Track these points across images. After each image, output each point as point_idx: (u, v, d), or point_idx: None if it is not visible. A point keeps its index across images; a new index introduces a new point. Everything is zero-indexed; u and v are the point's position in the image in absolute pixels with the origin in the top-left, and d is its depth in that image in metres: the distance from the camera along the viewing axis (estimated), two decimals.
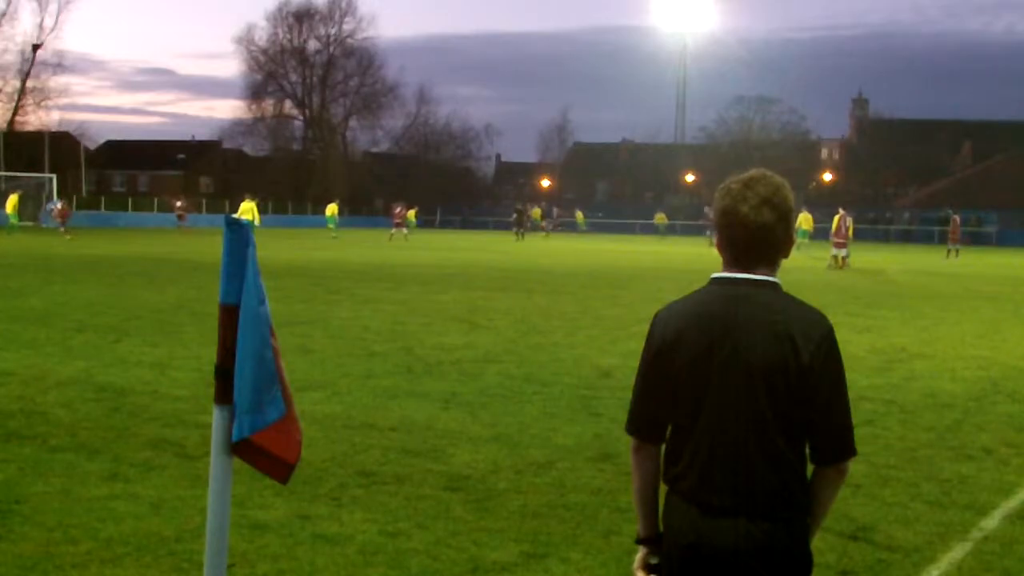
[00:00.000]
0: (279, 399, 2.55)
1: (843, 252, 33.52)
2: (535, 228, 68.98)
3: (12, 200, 47.60)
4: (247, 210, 37.22)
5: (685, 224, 78.65)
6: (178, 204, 61.45)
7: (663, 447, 2.73)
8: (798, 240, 36.48)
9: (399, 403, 8.84)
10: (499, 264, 31.53)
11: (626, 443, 2.93)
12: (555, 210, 78.85)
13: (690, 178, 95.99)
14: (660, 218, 76.35)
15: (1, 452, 6.87)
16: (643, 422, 2.73)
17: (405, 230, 52.91)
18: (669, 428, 2.70)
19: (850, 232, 34.82)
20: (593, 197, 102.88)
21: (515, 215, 64.03)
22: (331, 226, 54.47)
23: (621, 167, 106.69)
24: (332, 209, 56.01)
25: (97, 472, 6.42)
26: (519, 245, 50.08)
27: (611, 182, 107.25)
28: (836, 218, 34.27)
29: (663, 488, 2.73)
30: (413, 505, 5.90)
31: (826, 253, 35.94)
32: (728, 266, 2.65)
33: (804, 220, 41.41)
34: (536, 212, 72.57)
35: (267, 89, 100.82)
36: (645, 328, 2.79)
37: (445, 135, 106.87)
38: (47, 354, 11.11)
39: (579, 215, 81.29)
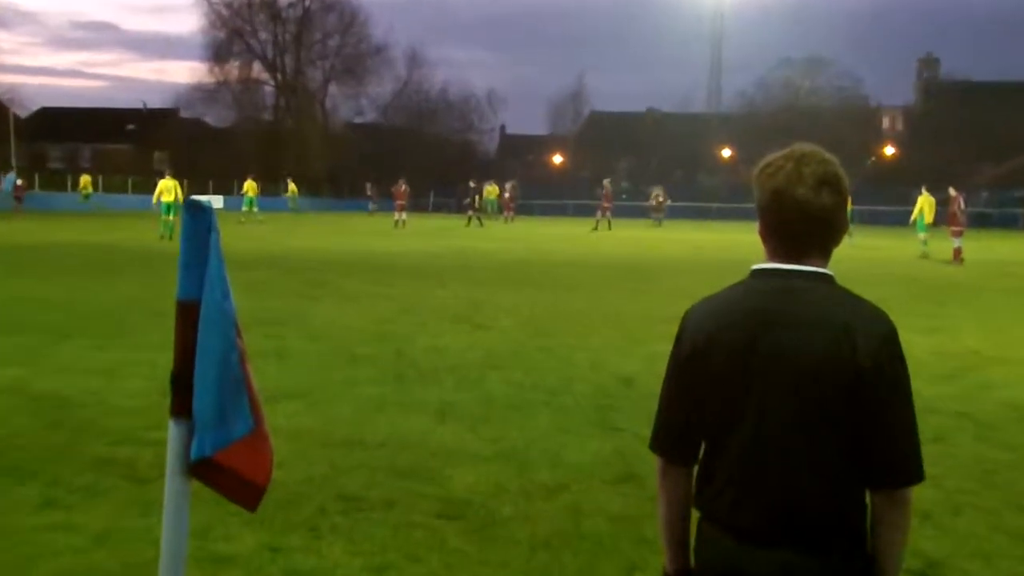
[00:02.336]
0: (246, 411, 2.54)
1: (958, 242, 31.19)
2: (489, 211, 64.07)
3: None
4: (167, 189, 36.46)
5: (721, 208, 78.59)
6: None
7: (695, 467, 2.73)
8: (919, 234, 34.68)
9: (387, 415, 8.85)
10: (503, 254, 31.52)
11: (651, 462, 2.93)
12: (510, 184, 69.10)
13: (726, 152, 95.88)
14: (657, 196, 72.45)
15: None
16: (671, 438, 2.72)
17: (403, 215, 51.57)
18: (702, 446, 2.70)
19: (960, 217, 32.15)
20: (613, 175, 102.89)
21: (471, 196, 59.12)
22: (250, 208, 51.90)
23: (646, 140, 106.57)
24: (251, 187, 53.27)
25: (30, 498, 6.44)
26: (506, 230, 50.03)
27: (634, 157, 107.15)
28: (950, 199, 32.46)
29: (694, 515, 2.73)
30: (403, 535, 5.91)
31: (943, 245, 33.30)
32: (773, 256, 2.63)
33: (926, 203, 35.18)
34: (491, 190, 67.10)
35: (232, 49, 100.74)
36: (672, 328, 2.79)
37: (441, 104, 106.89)
38: None
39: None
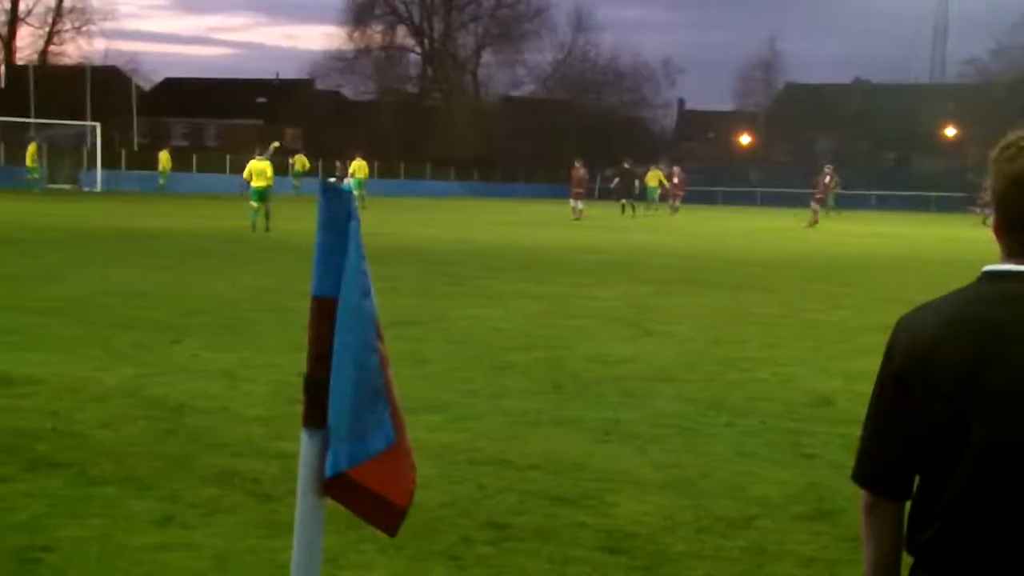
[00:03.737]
0: (387, 423, 2.56)
1: None
2: (649, 199, 62.33)
3: (31, 151, 50.07)
4: (259, 172, 34.47)
5: (941, 196, 76.88)
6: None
7: (907, 504, 2.67)
8: None
9: (542, 433, 8.88)
10: (679, 248, 31.37)
11: (851, 496, 2.89)
12: (675, 168, 67.27)
13: (950, 131, 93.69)
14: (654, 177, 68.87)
15: (26, 484, 7.09)
16: (879, 469, 2.67)
17: (580, 204, 50.65)
18: (916, 478, 2.64)
19: None
20: (810, 157, 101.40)
21: (616, 178, 59.38)
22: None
23: (851, 116, 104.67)
24: (360, 168, 54.37)
25: (146, 513, 6.59)
26: (677, 222, 49.67)
27: (837, 137, 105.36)
28: None
29: (907, 559, 2.68)
30: (559, 570, 5.92)
31: None
32: (1011, 256, 2.54)
33: None
34: (654, 175, 63.84)
35: (373, 12, 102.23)
36: (882, 340, 2.73)
37: (609, 75, 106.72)
38: (85, 358, 11.49)
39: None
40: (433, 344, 12.90)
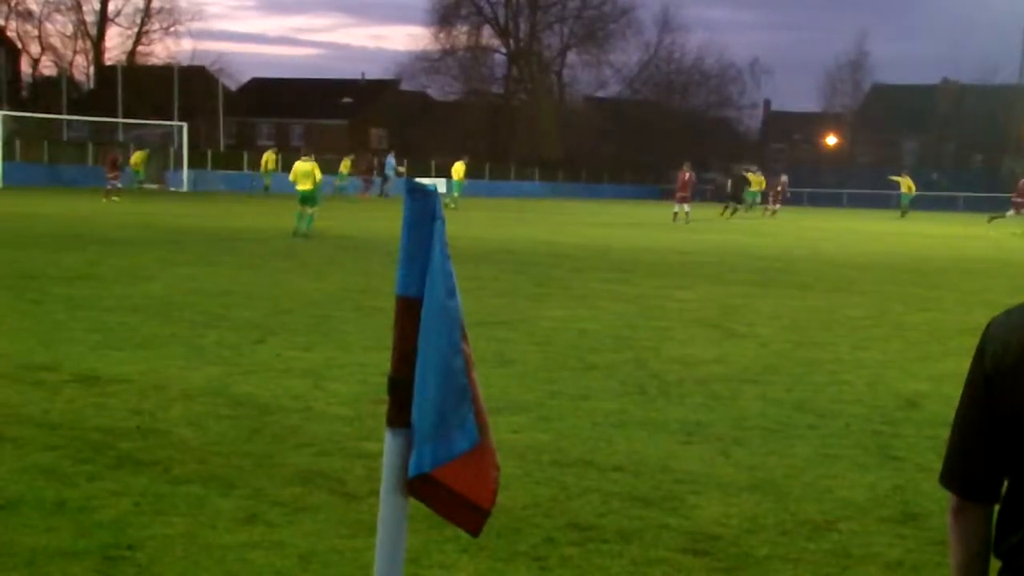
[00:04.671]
0: (471, 423, 2.57)
1: None
2: (749, 203, 62.24)
3: (139, 156, 51.60)
4: (304, 173, 30.94)
5: None
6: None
7: (995, 508, 2.64)
8: None
9: (626, 434, 8.87)
10: (764, 250, 31.17)
11: (937, 500, 2.87)
12: (784, 178, 67.53)
13: None
14: (906, 184, 69.32)
15: (112, 482, 7.16)
16: (966, 472, 2.64)
17: (687, 207, 48.97)
18: (1006, 482, 2.61)
19: None
20: (898, 158, 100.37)
21: (730, 180, 60.41)
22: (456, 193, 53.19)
23: (940, 118, 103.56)
24: (458, 170, 55.77)
25: (231, 512, 6.66)
26: (768, 224, 49.33)
27: (924, 138, 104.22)
28: None
29: (994, 563, 2.65)
30: (642, 571, 5.91)
31: None
32: None
33: None
34: (757, 181, 63.58)
35: (459, 12, 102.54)
36: (970, 343, 2.71)
37: (695, 75, 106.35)
38: (170, 356, 11.62)
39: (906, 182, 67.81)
40: (518, 345, 12.93)
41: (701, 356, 12.64)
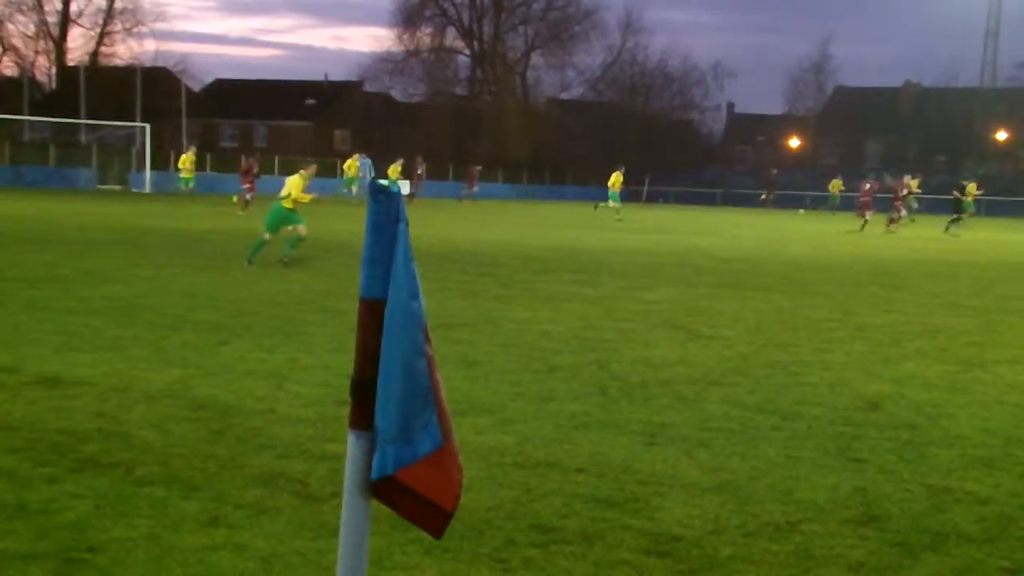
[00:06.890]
0: (434, 425, 2.57)
1: None
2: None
3: (187, 159, 51.04)
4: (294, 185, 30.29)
5: (994, 200, 76.17)
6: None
7: None
8: None
9: (589, 435, 8.87)
10: (728, 252, 31.25)
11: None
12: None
13: (1002, 135, 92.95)
14: (835, 186, 70.92)
15: (73, 484, 7.12)
16: None
17: (867, 215, 48.98)
18: None
19: None
20: (860, 160, 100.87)
21: (769, 182, 61.16)
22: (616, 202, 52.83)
23: (902, 120, 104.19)
24: (616, 180, 54.63)
25: (194, 514, 6.63)
26: (732, 225, 49.44)
27: (887, 141, 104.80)
28: None
29: None
30: (605, 573, 5.92)
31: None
32: None
33: None
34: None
35: (423, 14, 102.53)
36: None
37: (659, 77, 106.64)
38: (133, 358, 11.56)
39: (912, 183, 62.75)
40: (481, 347, 12.93)
41: (665, 358, 12.66)
